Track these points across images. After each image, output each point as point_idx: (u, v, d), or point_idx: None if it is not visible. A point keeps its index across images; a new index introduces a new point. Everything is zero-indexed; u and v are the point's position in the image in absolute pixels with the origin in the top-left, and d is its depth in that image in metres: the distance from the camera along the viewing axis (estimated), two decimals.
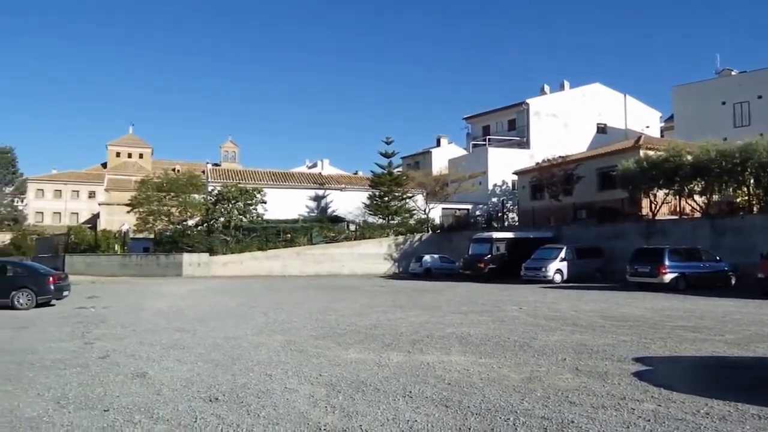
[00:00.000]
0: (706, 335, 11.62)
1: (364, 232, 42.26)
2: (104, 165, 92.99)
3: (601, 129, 53.08)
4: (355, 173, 65.40)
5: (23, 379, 8.10)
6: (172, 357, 9.76)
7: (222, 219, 40.63)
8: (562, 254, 29.10)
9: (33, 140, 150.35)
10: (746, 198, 28.33)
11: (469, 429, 5.74)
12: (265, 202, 41.17)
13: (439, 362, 9.09)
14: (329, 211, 46.87)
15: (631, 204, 31.91)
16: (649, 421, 5.94)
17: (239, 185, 41.54)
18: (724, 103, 42.76)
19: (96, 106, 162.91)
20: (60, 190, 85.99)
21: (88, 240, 44.49)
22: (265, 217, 41.17)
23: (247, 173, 50.31)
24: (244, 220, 40.41)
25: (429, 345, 10.75)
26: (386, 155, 45.70)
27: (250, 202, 40.58)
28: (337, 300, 20.95)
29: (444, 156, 60.75)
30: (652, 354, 9.63)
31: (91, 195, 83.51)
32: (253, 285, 29.00)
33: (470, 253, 32.95)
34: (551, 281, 28.11)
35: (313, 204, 47.50)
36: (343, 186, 49.30)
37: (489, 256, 31.73)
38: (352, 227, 43.44)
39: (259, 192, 41.27)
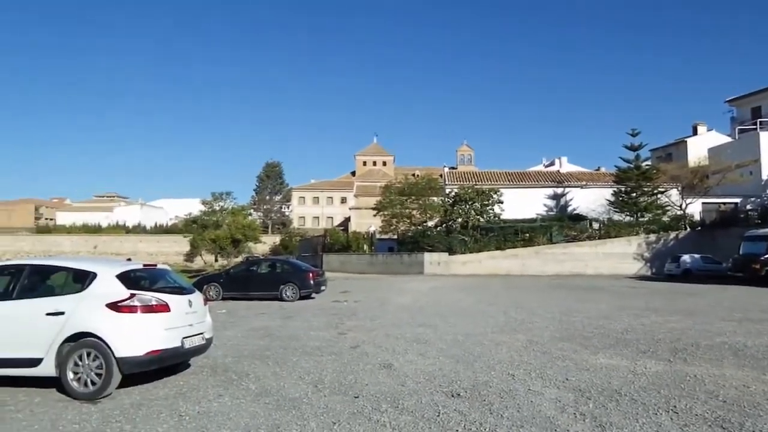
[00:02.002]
0: None
1: (609, 230, 39.55)
2: (353, 173, 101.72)
3: None
4: (597, 170, 61.64)
5: (288, 363, 8.99)
6: (415, 350, 10.02)
7: (460, 220, 41.44)
8: None
9: (295, 154, 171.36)
10: None
11: None
12: (502, 202, 40.97)
13: (709, 375, 7.89)
14: (569, 209, 44.91)
15: None
16: None
17: (475, 187, 41.98)
18: None
19: (345, 120, 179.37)
20: (317, 197, 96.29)
21: (341, 240, 49.00)
22: (503, 216, 40.96)
23: (482, 174, 50.65)
24: (482, 220, 40.68)
25: (694, 355, 9.44)
26: (632, 148, 42.21)
27: (486, 202, 40.75)
28: (582, 300, 19.76)
29: (702, 145, 54.01)
30: None
31: (343, 201, 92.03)
32: (492, 283, 28.91)
33: (741, 252, 28.68)
34: None
35: (551, 203, 45.97)
36: (583, 183, 46.86)
37: (767, 256, 27.23)
38: (596, 225, 40.97)
39: (495, 192, 41.25)
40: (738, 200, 41.35)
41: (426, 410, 6.29)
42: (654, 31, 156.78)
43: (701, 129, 60.79)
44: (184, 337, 7.53)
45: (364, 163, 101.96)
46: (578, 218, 42.15)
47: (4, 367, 7.15)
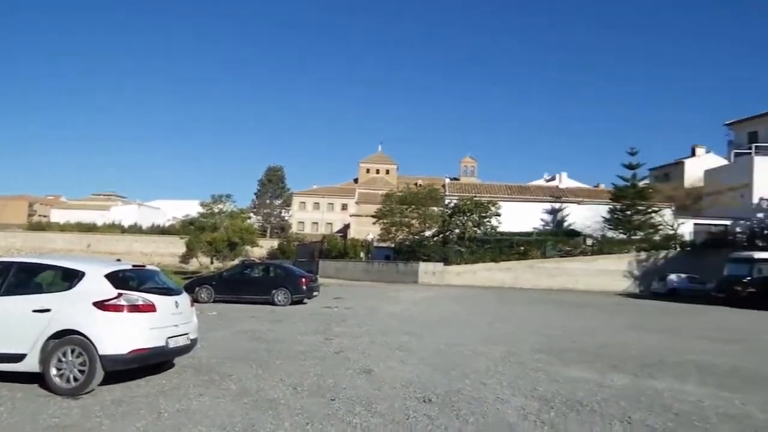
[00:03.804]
0: None
1: (603, 247, 40.08)
2: (356, 180, 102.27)
3: None
4: (596, 186, 62.27)
5: (271, 366, 9.44)
6: (397, 358, 10.49)
7: (457, 230, 41.96)
8: None
9: (298, 159, 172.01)
10: None
11: None
12: (500, 215, 41.48)
13: (669, 390, 8.36)
14: (565, 224, 45.42)
15: None
16: None
17: (474, 198, 42.52)
18: None
19: (351, 127, 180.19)
20: (318, 203, 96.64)
21: (338, 247, 49.52)
22: (500, 229, 41.46)
23: (483, 187, 51.22)
24: (479, 231, 41.20)
25: (661, 370, 9.91)
26: (630, 167, 42.90)
27: (484, 214, 41.29)
28: (568, 315, 20.25)
29: (699, 167, 54.68)
30: None
31: (344, 207, 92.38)
32: (484, 295, 29.36)
33: (726, 274, 29.12)
34: None
35: (548, 217, 46.50)
36: (580, 199, 47.39)
37: (749, 278, 27.68)
38: (590, 242, 41.49)
39: (493, 205, 41.77)
40: (728, 222, 41.83)
41: (397, 414, 6.72)
42: (662, 52, 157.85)
43: (699, 151, 61.49)
44: (168, 337, 7.81)
45: (368, 171, 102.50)
46: (573, 234, 42.67)
47: None
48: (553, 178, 73.94)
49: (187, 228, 63.65)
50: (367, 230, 58.49)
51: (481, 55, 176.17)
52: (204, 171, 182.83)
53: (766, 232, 38.21)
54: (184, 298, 8.65)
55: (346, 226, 78.25)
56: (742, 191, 41.99)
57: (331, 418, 6.53)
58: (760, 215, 40.41)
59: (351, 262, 45.18)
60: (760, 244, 35.79)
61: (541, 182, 71.32)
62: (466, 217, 41.41)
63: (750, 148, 45.74)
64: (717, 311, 24.20)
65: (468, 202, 41.69)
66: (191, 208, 66.57)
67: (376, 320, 16.79)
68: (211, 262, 58.49)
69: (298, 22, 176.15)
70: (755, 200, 41.61)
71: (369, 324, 15.71)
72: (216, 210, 60.46)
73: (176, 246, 67.79)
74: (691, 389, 8.49)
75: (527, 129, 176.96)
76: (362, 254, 47.23)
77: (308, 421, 6.35)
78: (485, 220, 41.29)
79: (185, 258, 66.77)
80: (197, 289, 20.52)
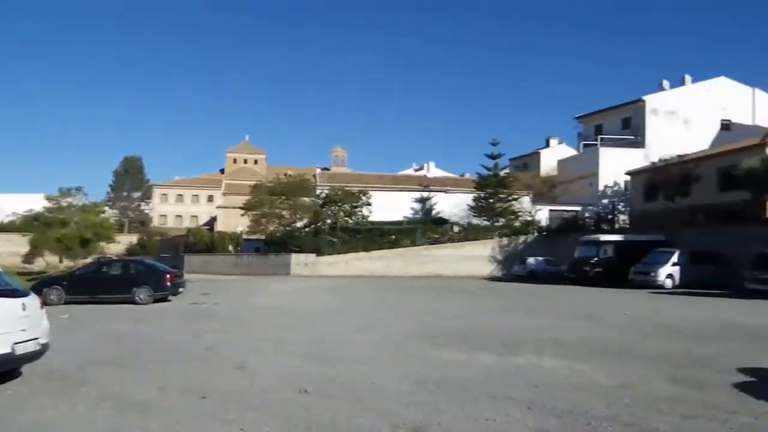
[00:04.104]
0: None
1: (468, 233, 42.18)
2: (222, 171, 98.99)
3: (725, 126, 49.30)
4: (462, 175, 65.22)
5: (135, 367, 8.91)
6: (271, 350, 10.34)
7: (329, 221, 42.10)
8: (675, 258, 27.49)
9: (158, 149, 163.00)
10: None
11: (547, 430, 5.68)
12: (371, 205, 42.17)
13: (530, 365, 8.97)
14: (433, 212, 47.17)
15: (755, 206, 29.38)
16: None
17: (346, 188, 42.87)
18: None
19: (216, 116, 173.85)
20: (182, 195, 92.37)
21: (205, 240, 47.78)
22: (371, 219, 42.17)
23: (354, 176, 51.81)
24: (350, 221, 41.63)
25: (522, 348, 10.60)
26: (492, 157, 45.44)
27: (355, 204, 41.78)
28: (438, 301, 21.09)
29: (553, 157, 59.17)
30: (762, 365, 8.95)
31: (210, 199, 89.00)
32: (357, 285, 29.77)
33: (576, 256, 31.90)
34: (661, 287, 26.64)
35: (417, 206, 48.00)
36: (447, 188, 49.43)
37: (596, 259, 30.53)
38: (456, 229, 43.48)
39: (364, 195, 42.36)
40: (579, 208, 45.70)
41: (271, 406, 6.61)
42: (524, 46, 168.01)
43: (553, 142, 66.44)
44: (15, 343, 7.17)
45: (235, 161, 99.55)
46: (441, 221, 44.48)
47: None
48: (421, 168, 76.57)
49: (30, 224, 57.87)
50: (236, 222, 56.96)
51: (345, 46, 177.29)
52: (49, 162, 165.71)
53: (610, 216, 42.25)
54: (33, 300, 7.94)
55: (213, 219, 75.63)
56: (590, 180, 46.02)
57: (202, 416, 6.29)
58: (605, 201, 44.58)
59: (219, 255, 43.81)
60: (605, 228, 39.54)
61: (410, 172, 73.51)
62: (337, 207, 41.71)
63: (596, 140, 50.21)
64: (569, 290, 26.40)
65: (339, 192, 41.98)
66: (35, 203, 60.05)
67: (248, 314, 16.44)
68: (60, 261, 53.84)
69: (161, 11, 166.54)
70: (601, 187, 45.78)
71: (240, 319, 15.34)
72: (65, 204, 55.50)
73: (17, 245, 61.51)
74: (548, 363, 9.18)
75: (396, 119, 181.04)
76: (231, 247, 45.97)
77: (178, 421, 6.06)
78: (357, 209, 41.84)
79: (29, 257, 60.77)
80: (45, 290, 18.54)
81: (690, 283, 26.51)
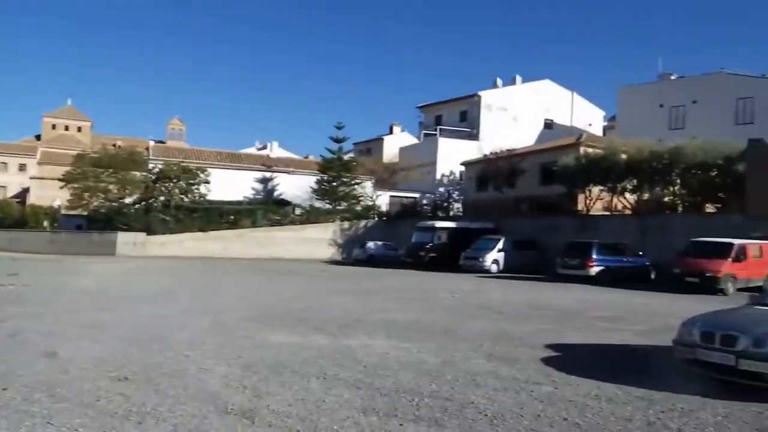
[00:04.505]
0: (619, 325, 12.19)
1: (310, 216, 42.14)
2: (38, 137, 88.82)
3: (548, 124, 54.21)
4: (306, 157, 64.86)
5: None
6: (88, 336, 9.54)
7: (162, 198, 39.72)
8: (500, 245, 29.73)
9: None
10: (672, 198, 29.63)
11: (374, 409, 5.86)
12: (209, 182, 40.44)
13: (362, 346, 9.19)
14: (275, 194, 46.42)
15: (568, 199, 32.82)
16: (542, 402, 6.22)
17: (182, 164, 40.67)
18: (662, 106, 44.28)
19: (32, 76, 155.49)
20: None
21: (14, 215, 42.71)
22: (209, 197, 40.42)
23: (191, 152, 49.27)
24: (186, 199, 39.63)
25: (356, 329, 10.84)
26: (337, 140, 45.71)
27: (192, 181, 39.81)
28: (276, 283, 20.88)
29: (396, 144, 60.95)
30: (565, 342, 10.01)
31: (22, 168, 79.30)
32: (191, 266, 28.52)
33: (413, 241, 33.30)
34: (488, 271, 28.71)
35: (259, 186, 46.94)
36: (291, 169, 48.92)
37: (431, 244, 32.11)
38: (298, 211, 43.24)
39: (202, 171, 40.51)
40: (417, 195, 47.73)
41: (86, 396, 6.10)
42: (368, 34, 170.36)
43: (396, 129, 68.53)
44: None
45: (54, 127, 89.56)
46: (283, 203, 43.97)
47: None
48: (264, 147, 75.10)
49: None
50: (53, 196, 51.53)
51: (183, 5, 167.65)
52: None
53: (446, 204, 44.67)
54: None
55: (26, 191, 67.72)
56: (429, 168, 48.17)
57: (3, 409, 5.62)
58: (442, 189, 47.02)
59: (32, 232, 39.46)
60: (441, 215, 41.73)
61: (252, 150, 71.76)
62: (172, 184, 39.47)
63: (436, 130, 52.63)
64: (405, 274, 27.50)
65: (175, 168, 39.70)
66: None
67: (64, 297, 15.01)
68: None
69: None
70: (438, 176, 48.15)
71: (54, 302, 13.97)
72: None
73: None
74: (379, 343, 9.48)
75: (240, 95, 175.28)
76: (47, 223, 41.58)
77: None
78: (193, 187, 39.90)
79: None
80: None
81: (513, 268, 28.84)
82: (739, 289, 19.65)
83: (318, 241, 40.01)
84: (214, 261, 33.40)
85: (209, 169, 41.45)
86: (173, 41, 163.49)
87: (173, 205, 38.96)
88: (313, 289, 18.75)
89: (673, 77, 48.12)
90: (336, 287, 19.73)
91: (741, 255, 20.96)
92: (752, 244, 21.63)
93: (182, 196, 39.59)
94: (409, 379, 7.08)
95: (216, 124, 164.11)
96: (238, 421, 5.44)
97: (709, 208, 28.72)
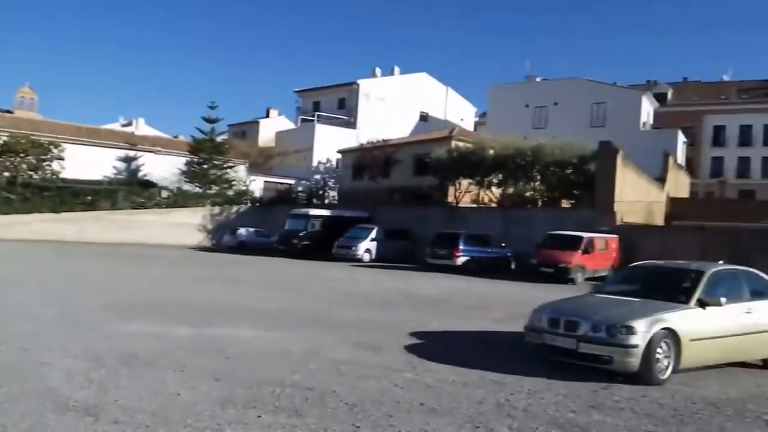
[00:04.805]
0: (479, 313, 12.84)
1: (178, 199, 40.19)
2: None
3: (424, 117, 55.71)
4: (176, 137, 61.64)
5: None
6: None
7: (7, 174, 35.95)
8: (373, 235, 30.15)
9: None
10: (533, 192, 31.75)
11: (232, 401, 5.67)
12: (63, 159, 37.15)
13: (225, 336, 8.89)
14: (140, 174, 43.68)
15: (440, 191, 34.02)
16: (402, 388, 6.37)
17: (32, 137, 36.99)
18: (527, 106, 47.20)
19: None
20: None
21: None
22: (63, 175, 37.17)
23: (44, 124, 44.91)
24: (35, 177, 36.17)
25: (220, 319, 10.49)
26: (209, 120, 43.75)
27: (44, 157, 36.36)
28: (136, 270, 19.66)
29: (272, 128, 59.74)
30: (429, 329, 10.36)
31: None
32: (40, 251, 26.13)
33: (286, 228, 32.85)
34: (361, 260, 29.03)
35: (122, 165, 43.87)
36: (158, 149, 46.22)
37: (304, 232, 31.86)
38: (165, 194, 41.05)
39: (56, 146, 37.12)
40: (293, 182, 47.15)
41: None
42: (242, 15, 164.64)
43: (273, 113, 67.18)
44: None
45: None
46: (148, 185, 41.50)
47: None
48: (129, 124, 70.23)
49: None
50: None
51: None
52: None
53: (321, 192, 44.51)
54: None
55: None
56: (306, 154, 47.66)
57: None
58: (318, 177, 46.79)
59: None
60: (316, 202, 41.54)
61: (115, 126, 66.91)
62: (19, 159, 35.81)
63: (314, 116, 52.24)
64: (277, 262, 27.10)
65: (23, 141, 36.04)
66: None
67: None
68: None
69: None
70: (315, 163, 47.85)
71: None
72: None
73: None
74: (245, 333, 9.23)
75: (102, 65, 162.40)
76: None
77: None
78: (44, 163, 36.46)
79: None
80: None
81: (385, 258, 29.34)
82: (587, 279, 21.43)
83: (186, 226, 38.24)
84: (67, 245, 30.82)
85: (64, 144, 38.00)
86: (22, 4, 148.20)
87: (20, 183, 35.40)
88: (177, 277, 17.90)
89: (538, 79, 51.42)
90: (202, 274, 18.98)
91: (589, 247, 22.86)
92: (599, 238, 23.69)
93: (31, 172, 36.03)
94: (273, 370, 6.95)
95: (75, 96, 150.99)
96: (80, 419, 5.02)
97: (565, 204, 31.08)
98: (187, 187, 42.21)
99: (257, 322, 10.24)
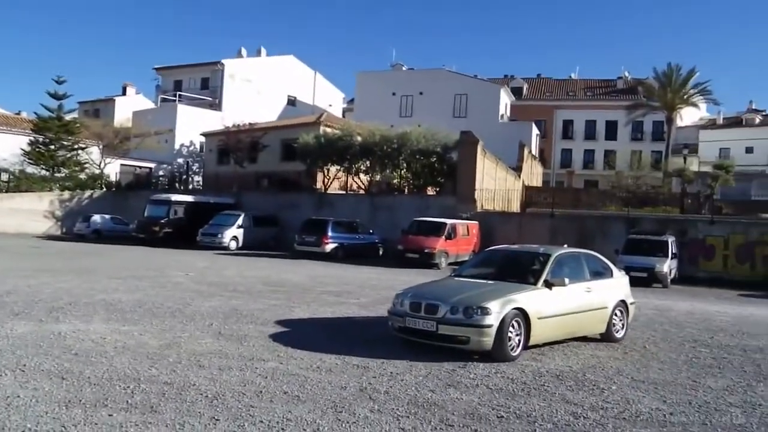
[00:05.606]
0: (346, 299, 13.02)
1: (21, 183, 36.57)
2: None
3: (292, 101, 55.04)
4: (18, 113, 55.82)
5: None
6: None
7: None
8: (240, 221, 29.40)
9: None
10: (400, 180, 32.63)
11: (80, 400, 5.30)
12: None
13: (74, 331, 8.27)
14: None
15: (308, 177, 33.89)
16: (266, 378, 6.31)
17: None
18: (394, 94, 48.23)
19: None
20: None
21: None
22: None
23: None
24: None
25: (69, 313, 9.72)
26: (56, 96, 39.97)
27: None
28: None
29: (129, 107, 55.92)
30: (294, 317, 10.34)
31: None
32: None
33: (146, 215, 31.03)
34: (227, 248, 28.23)
35: None
36: None
37: (166, 219, 30.33)
38: (5, 177, 37.17)
39: None
40: (153, 165, 44.61)
41: None
42: None
43: (130, 91, 62.87)
44: None
45: None
46: None
47: None
48: None
49: None
50: None
51: None
52: None
53: (184, 176, 42.48)
54: None
55: None
56: (167, 136, 45.15)
57: None
58: (180, 160, 44.61)
59: None
60: (179, 187, 39.62)
61: None
62: None
63: (176, 96, 49.60)
64: (136, 251, 25.60)
65: None
66: None
67: None
68: None
69: None
70: (177, 146, 45.54)
71: None
72: None
73: None
74: (96, 327, 8.64)
75: None
76: None
77: None
78: None
79: None
80: None
81: (252, 245, 28.79)
82: (450, 263, 22.46)
83: (31, 212, 34.89)
84: None
85: None
86: None
87: None
88: (19, 268, 16.29)
89: (404, 68, 52.68)
90: (49, 266, 17.45)
91: (452, 233, 23.93)
92: (461, 224, 24.88)
93: None
94: (126, 365, 6.58)
95: None
96: None
97: (430, 191, 32.25)
98: (31, 169, 38.45)
99: (111, 316, 9.63)
